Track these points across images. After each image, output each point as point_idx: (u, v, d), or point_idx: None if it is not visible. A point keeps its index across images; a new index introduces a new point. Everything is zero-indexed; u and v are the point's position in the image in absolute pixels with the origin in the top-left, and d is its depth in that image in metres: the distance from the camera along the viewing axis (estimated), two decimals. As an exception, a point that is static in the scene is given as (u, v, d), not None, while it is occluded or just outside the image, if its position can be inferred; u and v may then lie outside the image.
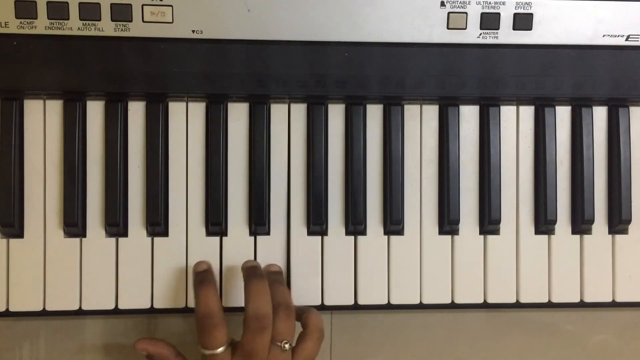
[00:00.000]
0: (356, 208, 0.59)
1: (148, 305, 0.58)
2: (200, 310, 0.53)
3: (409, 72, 0.59)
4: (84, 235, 0.58)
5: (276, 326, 0.52)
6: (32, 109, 0.58)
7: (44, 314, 0.58)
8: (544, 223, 0.61)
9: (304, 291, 0.59)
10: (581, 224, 0.61)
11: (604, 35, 0.60)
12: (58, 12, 0.55)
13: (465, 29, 0.58)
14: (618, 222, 0.61)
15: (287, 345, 0.52)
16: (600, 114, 0.62)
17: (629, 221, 0.61)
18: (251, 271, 0.56)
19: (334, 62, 0.58)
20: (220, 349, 0.51)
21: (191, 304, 0.58)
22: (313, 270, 0.59)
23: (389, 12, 0.58)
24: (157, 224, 0.58)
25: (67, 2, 0.55)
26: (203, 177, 0.59)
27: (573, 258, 0.61)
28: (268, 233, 0.59)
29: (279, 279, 0.57)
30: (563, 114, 0.62)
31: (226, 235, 0.59)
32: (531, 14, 0.59)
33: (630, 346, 0.65)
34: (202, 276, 0.56)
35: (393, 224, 0.60)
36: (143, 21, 0.56)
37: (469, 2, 0.58)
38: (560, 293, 0.61)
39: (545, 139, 0.61)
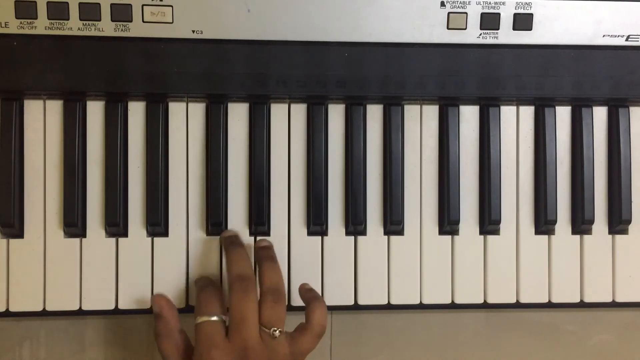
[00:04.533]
0: (356, 208, 0.59)
1: (148, 305, 0.58)
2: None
3: (409, 72, 0.59)
4: (84, 235, 0.58)
5: (264, 313, 0.51)
6: (32, 109, 0.58)
7: (44, 314, 0.58)
8: (544, 223, 0.61)
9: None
10: (581, 224, 0.61)
11: (604, 36, 0.60)
12: (58, 12, 0.55)
13: (465, 29, 0.58)
14: (618, 222, 0.61)
15: (276, 333, 0.50)
16: (600, 114, 0.62)
17: (629, 221, 0.61)
18: (229, 240, 0.56)
19: (334, 62, 0.58)
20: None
21: (191, 304, 0.58)
22: (313, 270, 0.59)
23: (389, 12, 0.58)
24: (157, 224, 0.58)
25: (67, 2, 0.55)
26: (203, 177, 0.59)
27: (573, 258, 0.61)
28: (268, 233, 0.59)
29: (268, 254, 0.56)
30: (563, 114, 0.62)
31: (226, 235, 0.59)
32: (531, 14, 0.59)
33: (630, 346, 0.65)
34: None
35: (393, 224, 0.60)
36: (143, 21, 0.56)
37: (469, 2, 0.58)
38: (560, 293, 0.61)
39: (545, 139, 0.61)
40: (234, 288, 0.51)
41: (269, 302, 0.52)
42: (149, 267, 0.58)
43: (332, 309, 0.60)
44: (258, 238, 0.59)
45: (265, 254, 0.56)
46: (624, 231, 0.62)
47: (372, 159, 0.60)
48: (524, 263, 0.61)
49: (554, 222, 0.61)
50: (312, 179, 0.59)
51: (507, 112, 0.61)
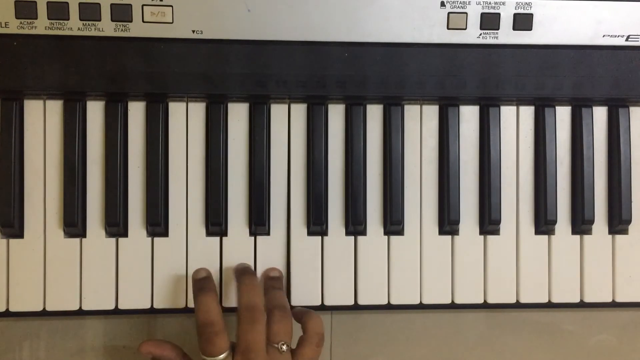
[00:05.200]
0: (356, 208, 0.59)
1: (148, 305, 0.58)
2: (201, 319, 0.53)
3: (409, 73, 0.59)
4: (84, 236, 0.58)
5: (271, 327, 0.52)
6: (32, 109, 0.58)
7: (44, 314, 0.58)
8: (544, 223, 0.61)
9: (304, 291, 0.59)
10: (581, 224, 0.61)
11: (604, 36, 0.60)
12: (58, 12, 0.55)
13: (465, 29, 0.58)
14: (618, 222, 0.61)
15: (284, 347, 0.52)
16: (600, 114, 0.62)
17: (629, 221, 0.61)
18: (242, 271, 0.57)
19: (334, 62, 0.58)
20: (222, 356, 0.51)
21: (191, 304, 0.58)
22: (313, 270, 0.59)
23: (389, 12, 0.58)
24: (157, 224, 0.58)
25: (67, 2, 0.55)
26: (203, 177, 0.59)
27: (573, 258, 0.61)
28: (268, 233, 0.59)
29: (276, 285, 0.57)
30: (563, 114, 0.62)
31: (226, 235, 0.59)
32: (531, 14, 0.59)
33: (630, 346, 0.65)
34: (202, 283, 0.56)
35: (393, 224, 0.60)
36: (143, 21, 0.56)
37: (469, 2, 0.58)
38: (560, 293, 0.61)
39: (545, 139, 0.61)
40: (243, 318, 0.52)
41: (276, 316, 0.53)
42: (149, 267, 0.58)
43: (332, 309, 0.60)
44: (268, 263, 0.59)
45: (272, 285, 0.57)
46: (624, 231, 0.62)
47: (372, 159, 0.60)
48: (524, 263, 0.61)
49: (554, 222, 0.61)
50: (312, 179, 0.59)
51: (507, 112, 0.61)
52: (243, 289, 0.54)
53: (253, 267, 0.59)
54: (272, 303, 0.54)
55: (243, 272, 0.57)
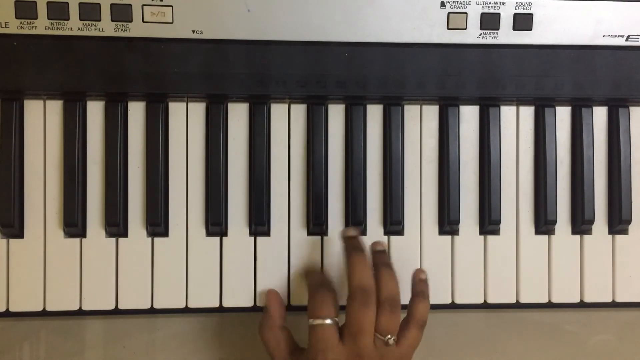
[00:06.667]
0: (356, 208, 0.59)
1: (148, 305, 0.58)
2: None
3: (409, 73, 0.59)
4: (84, 236, 0.58)
5: (380, 321, 0.52)
6: (32, 109, 0.58)
7: (44, 314, 0.58)
8: (544, 223, 0.61)
9: (304, 291, 0.59)
10: (581, 224, 0.61)
11: (604, 36, 0.60)
12: (58, 12, 0.55)
13: (465, 29, 0.58)
14: (618, 222, 0.61)
15: (391, 340, 0.52)
16: (600, 114, 0.62)
17: (629, 221, 0.61)
18: (350, 243, 0.56)
19: (334, 62, 0.58)
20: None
21: (191, 304, 0.58)
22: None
23: (389, 12, 0.58)
24: (157, 224, 0.58)
25: (67, 2, 0.55)
26: (203, 177, 0.59)
27: (573, 258, 0.61)
28: (268, 233, 0.59)
29: (385, 261, 0.56)
30: (563, 114, 0.62)
31: (226, 235, 0.59)
32: (531, 14, 0.59)
33: (630, 346, 0.65)
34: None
35: (393, 224, 0.60)
36: (143, 21, 0.56)
37: (469, 2, 0.58)
38: (560, 293, 0.61)
39: (545, 139, 0.61)
40: (355, 298, 0.52)
41: (386, 311, 0.53)
42: (149, 267, 0.58)
43: (332, 309, 0.60)
44: (374, 240, 0.59)
45: (382, 260, 0.56)
46: (624, 231, 0.62)
47: (372, 159, 0.60)
48: (524, 263, 0.61)
49: (554, 222, 0.61)
50: (312, 179, 0.59)
51: (507, 112, 0.61)
52: (355, 267, 0.54)
53: (253, 267, 0.59)
54: (383, 293, 0.53)
55: (353, 248, 0.56)
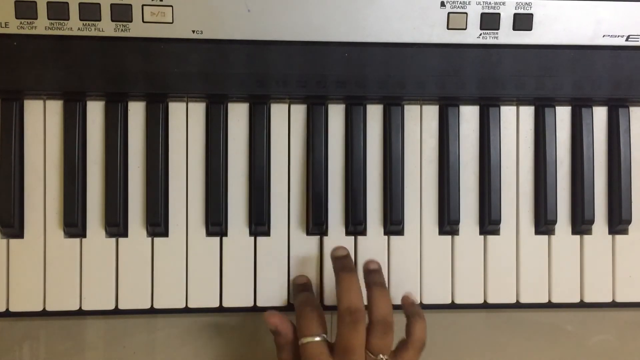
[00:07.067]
0: (356, 208, 0.59)
1: (148, 305, 0.58)
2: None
3: (409, 73, 0.59)
4: (84, 236, 0.58)
5: (371, 342, 0.52)
6: (32, 109, 0.58)
7: (44, 314, 0.58)
8: (544, 223, 0.61)
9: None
10: (581, 224, 0.61)
11: (604, 36, 0.60)
12: (58, 12, 0.55)
13: (465, 29, 0.58)
14: (618, 223, 0.61)
15: (384, 358, 0.52)
16: (600, 114, 0.62)
17: (629, 221, 0.61)
18: (340, 263, 0.56)
19: (334, 62, 0.58)
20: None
21: (191, 304, 0.58)
22: (313, 270, 0.59)
23: (389, 12, 0.58)
24: (157, 224, 0.58)
25: (67, 2, 0.55)
26: (203, 177, 0.59)
27: (573, 258, 0.61)
28: (268, 233, 0.59)
29: (379, 280, 0.56)
30: (563, 114, 0.62)
31: (226, 235, 0.59)
32: (531, 14, 0.59)
33: (630, 346, 0.65)
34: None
35: (393, 224, 0.60)
36: (143, 21, 0.56)
37: (469, 2, 0.58)
38: (560, 293, 0.61)
39: (545, 139, 0.61)
40: (344, 320, 0.52)
41: (378, 332, 0.52)
42: (149, 267, 0.58)
43: (332, 309, 0.60)
44: (368, 258, 0.58)
45: (375, 280, 0.56)
46: (624, 231, 0.62)
47: (372, 159, 0.60)
48: (524, 263, 0.61)
49: (554, 222, 0.61)
50: (312, 179, 0.59)
51: (507, 112, 0.61)
52: (343, 288, 0.53)
53: (253, 267, 0.59)
54: (375, 314, 0.53)
55: (341, 267, 0.55)
